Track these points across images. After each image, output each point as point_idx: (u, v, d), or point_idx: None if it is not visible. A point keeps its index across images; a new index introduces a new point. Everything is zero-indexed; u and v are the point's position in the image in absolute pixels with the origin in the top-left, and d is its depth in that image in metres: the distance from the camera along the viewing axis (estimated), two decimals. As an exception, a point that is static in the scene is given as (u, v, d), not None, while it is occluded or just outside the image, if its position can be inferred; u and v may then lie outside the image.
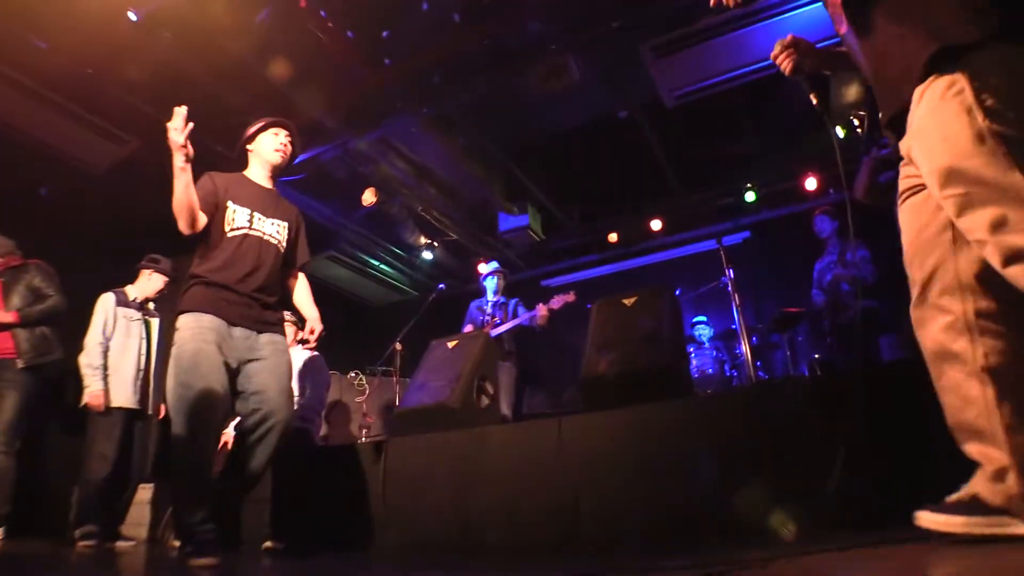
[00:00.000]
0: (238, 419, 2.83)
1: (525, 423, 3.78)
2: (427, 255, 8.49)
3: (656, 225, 8.00)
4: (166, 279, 4.67)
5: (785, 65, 1.84)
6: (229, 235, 2.80)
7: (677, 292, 4.18)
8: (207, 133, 5.17)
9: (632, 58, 5.12)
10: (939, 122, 1.32)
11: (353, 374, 6.87)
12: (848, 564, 1.53)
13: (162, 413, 4.48)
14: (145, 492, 4.70)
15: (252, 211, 2.88)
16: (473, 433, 3.42)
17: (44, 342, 4.30)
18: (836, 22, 1.63)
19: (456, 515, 3.18)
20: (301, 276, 3.17)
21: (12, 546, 3.94)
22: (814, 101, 1.91)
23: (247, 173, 3.03)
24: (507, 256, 8.49)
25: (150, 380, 4.50)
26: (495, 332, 5.40)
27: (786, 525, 2.29)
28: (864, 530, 2.03)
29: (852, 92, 5.18)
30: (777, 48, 1.85)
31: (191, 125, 2.53)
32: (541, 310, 5.48)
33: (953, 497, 1.50)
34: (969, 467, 1.49)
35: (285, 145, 3.04)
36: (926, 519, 1.50)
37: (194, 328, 2.61)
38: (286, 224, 3.01)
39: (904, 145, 1.50)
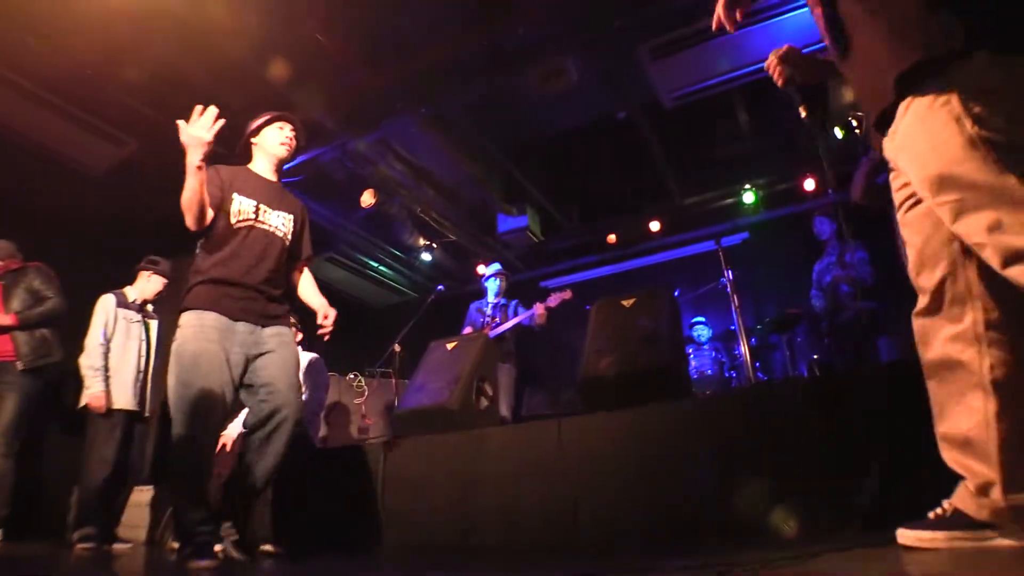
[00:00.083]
0: (241, 417, 2.83)
1: (524, 424, 3.78)
2: (426, 256, 8.49)
3: (655, 226, 8.00)
4: (165, 281, 4.67)
5: (778, 77, 1.86)
6: (235, 226, 2.79)
7: (676, 293, 4.19)
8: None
9: (630, 59, 5.13)
10: (928, 131, 1.34)
11: (352, 376, 6.87)
12: (848, 565, 1.53)
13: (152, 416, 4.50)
14: (144, 494, 4.69)
15: (258, 203, 2.87)
16: (472, 435, 3.42)
17: (44, 344, 4.30)
18: (821, 31, 1.64)
19: (455, 516, 3.18)
20: (305, 270, 3.17)
21: (10, 548, 3.94)
22: (803, 114, 1.92)
23: (252, 167, 3.02)
24: (506, 257, 8.49)
25: (148, 382, 4.50)
26: (494, 333, 5.40)
27: (785, 526, 2.29)
28: (864, 531, 2.03)
29: (851, 93, 5.18)
30: (771, 58, 1.87)
31: (220, 123, 2.57)
32: (539, 309, 5.49)
33: (935, 513, 1.51)
34: (952, 482, 1.50)
35: (290, 139, 3.04)
36: (907, 536, 1.50)
37: (196, 326, 2.61)
38: (291, 217, 3.00)
39: (890, 153, 1.52)
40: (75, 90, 4.90)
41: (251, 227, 2.82)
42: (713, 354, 6.65)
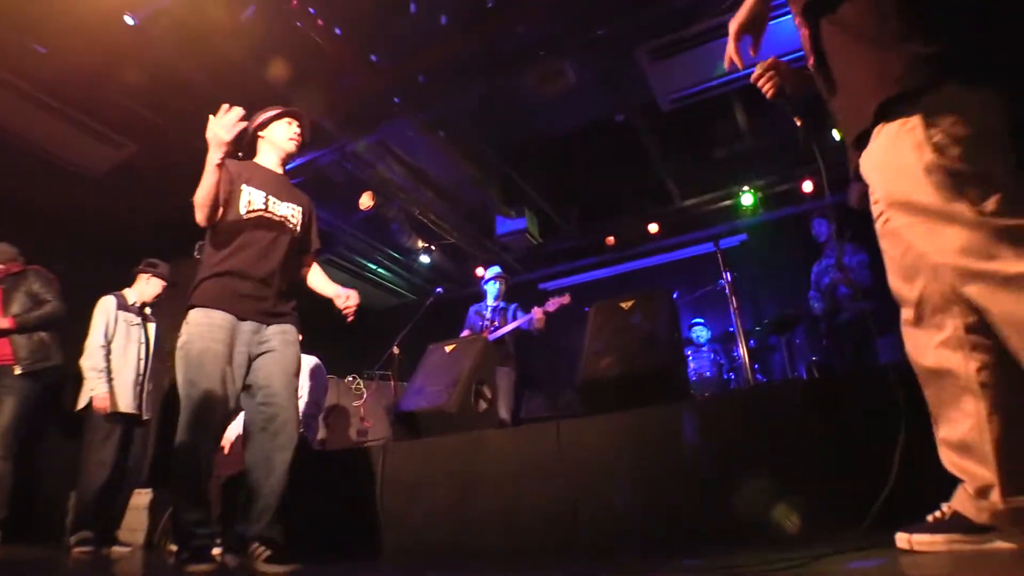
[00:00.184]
0: (241, 418, 2.81)
1: (523, 427, 3.77)
2: (424, 259, 8.49)
3: (653, 228, 8.00)
4: (164, 283, 4.66)
5: (767, 89, 1.88)
6: (245, 217, 2.78)
7: (675, 295, 4.19)
8: (203, 137, 5.18)
9: (628, 61, 5.14)
10: (893, 155, 1.43)
11: (351, 378, 6.85)
12: (847, 568, 1.53)
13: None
14: (143, 497, 4.69)
15: (267, 194, 2.87)
16: (471, 437, 3.42)
17: (42, 348, 4.29)
18: (806, 50, 1.67)
19: (455, 519, 3.17)
20: (315, 264, 3.18)
21: (8, 551, 3.93)
22: (798, 123, 1.93)
23: (258, 160, 3.02)
24: (504, 259, 8.48)
25: (147, 385, 4.49)
26: (493, 336, 5.40)
27: (785, 528, 2.29)
28: (864, 533, 2.03)
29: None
30: (758, 71, 1.88)
31: (242, 125, 2.59)
32: (537, 313, 5.49)
33: (933, 516, 1.51)
34: (950, 485, 1.50)
35: (298, 135, 3.05)
36: (906, 540, 1.51)
37: (204, 325, 2.60)
38: (300, 209, 3.01)
39: (864, 171, 1.57)
40: (74, 92, 4.90)
41: (261, 217, 2.82)
42: (712, 356, 6.65)
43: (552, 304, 5.53)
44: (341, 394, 6.71)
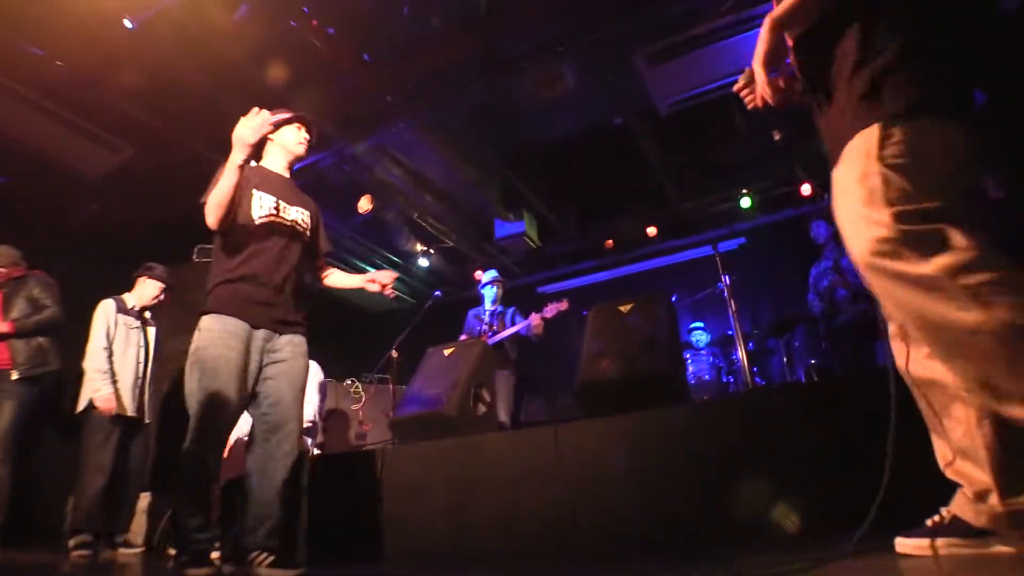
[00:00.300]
0: (241, 422, 2.80)
1: (522, 431, 3.78)
2: (423, 262, 8.48)
3: (652, 231, 8.01)
4: (162, 285, 4.66)
5: (748, 100, 1.89)
6: (256, 222, 2.76)
7: (673, 298, 4.19)
8: (202, 140, 5.19)
9: (627, 66, 5.14)
10: (847, 161, 1.49)
11: (349, 382, 6.85)
12: (847, 573, 1.53)
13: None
14: (141, 501, 4.68)
15: (277, 199, 2.86)
16: (470, 441, 3.42)
17: (40, 353, 4.29)
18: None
19: (453, 523, 3.17)
20: (329, 266, 3.19)
21: (7, 556, 3.92)
22: (776, 136, 1.94)
23: (265, 163, 3.00)
24: (503, 263, 8.49)
25: (146, 389, 4.49)
26: (492, 341, 5.40)
27: (784, 531, 2.29)
28: (863, 536, 2.03)
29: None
30: (741, 81, 1.89)
31: (269, 128, 2.61)
32: (535, 319, 5.50)
33: (933, 520, 1.51)
34: (949, 489, 1.50)
35: (307, 139, 3.05)
36: (906, 545, 1.51)
37: (218, 331, 2.58)
38: (309, 213, 3.00)
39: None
40: (71, 95, 4.90)
41: (272, 222, 2.80)
42: (711, 359, 6.65)
43: (550, 310, 5.54)
44: (340, 398, 6.71)
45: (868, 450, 2.19)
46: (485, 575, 2.41)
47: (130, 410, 4.32)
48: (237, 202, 2.71)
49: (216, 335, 2.57)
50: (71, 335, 4.42)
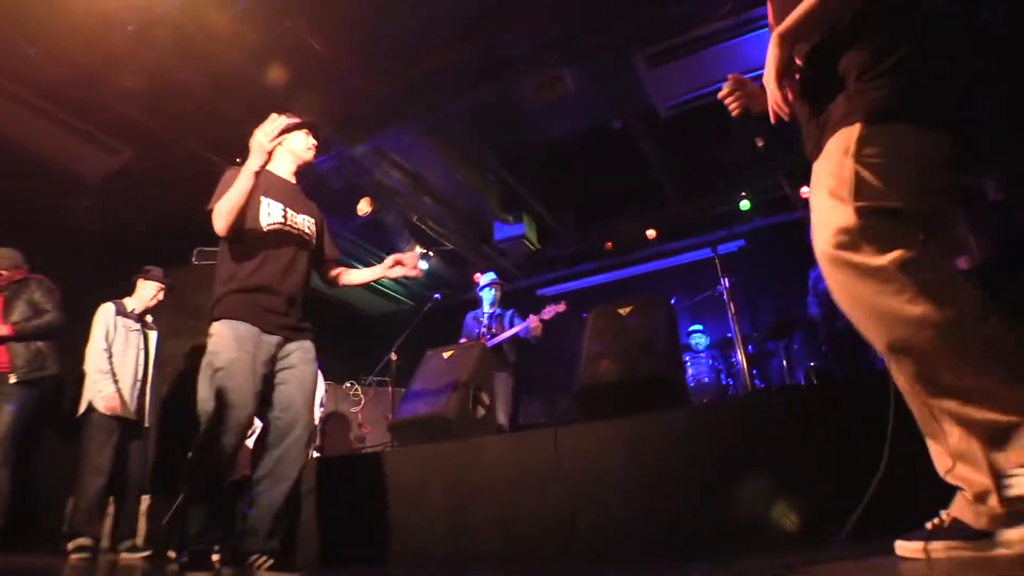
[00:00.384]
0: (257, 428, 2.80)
1: (521, 433, 3.77)
2: (423, 264, 8.47)
3: (651, 233, 8.01)
4: (160, 286, 4.66)
5: (733, 107, 1.90)
6: (265, 229, 2.75)
7: (673, 301, 4.18)
8: (201, 142, 5.19)
9: (626, 68, 5.15)
10: (827, 156, 1.54)
11: (348, 384, 6.86)
12: (847, 573, 1.52)
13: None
14: (141, 503, 4.67)
15: (285, 206, 2.85)
16: (469, 443, 3.41)
17: (39, 357, 4.28)
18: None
19: (452, 525, 3.16)
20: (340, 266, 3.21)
21: (6, 560, 3.90)
22: (759, 144, 1.95)
23: (272, 168, 2.97)
24: (502, 265, 8.49)
25: (147, 392, 4.49)
26: (491, 343, 5.40)
27: (784, 534, 2.29)
28: (863, 539, 2.03)
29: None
30: (725, 89, 1.91)
31: (284, 138, 2.64)
32: (533, 321, 5.51)
33: (932, 523, 1.51)
34: (949, 492, 1.50)
35: (315, 145, 3.06)
36: (905, 548, 1.51)
37: (230, 336, 2.56)
38: (314, 220, 3.01)
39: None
40: (70, 98, 4.91)
41: (280, 230, 2.80)
42: (710, 362, 6.65)
43: (548, 312, 5.55)
44: (339, 400, 6.71)
45: (868, 453, 2.19)
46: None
47: (129, 412, 4.31)
48: (244, 208, 2.71)
49: (229, 340, 2.56)
50: (71, 335, 4.43)
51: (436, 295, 6.61)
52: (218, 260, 2.79)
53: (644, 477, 2.76)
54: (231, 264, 2.71)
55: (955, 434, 1.43)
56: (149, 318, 4.68)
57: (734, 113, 1.93)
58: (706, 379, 6.50)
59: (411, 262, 3.04)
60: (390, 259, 3.07)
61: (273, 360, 2.67)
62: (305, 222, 2.93)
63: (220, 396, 2.48)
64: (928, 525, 1.52)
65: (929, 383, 1.40)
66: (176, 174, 5.38)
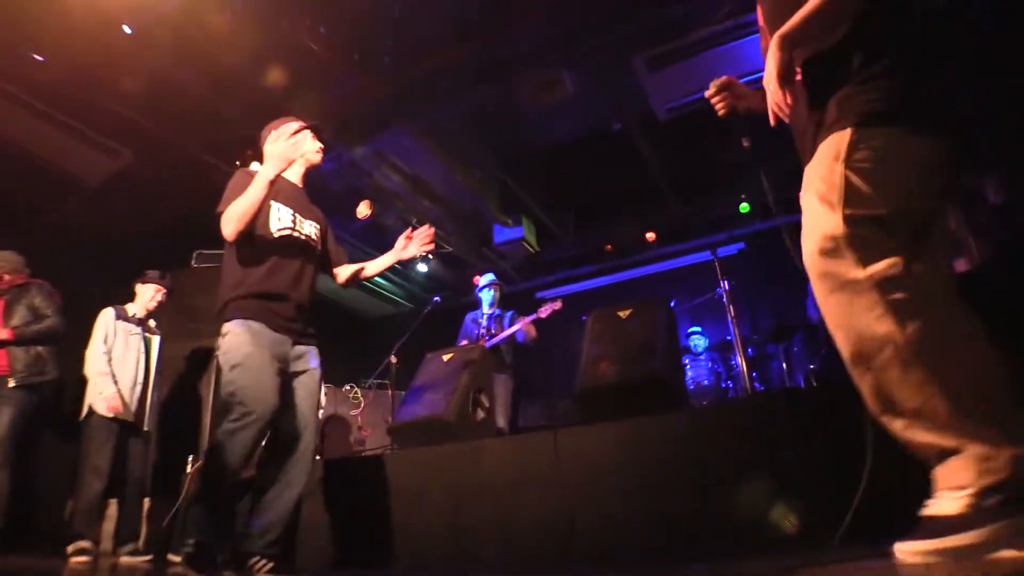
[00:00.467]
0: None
1: (521, 436, 3.76)
2: (422, 267, 8.48)
3: (651, 236, 8.01)
4: (159, 287, 4.66)
5: (719, 107, 1.90)
6: (275, 235, 2.74)
7: (672, 303, 4.18)
8: (200, 144, 5.18)
9: (625, 71, 5.15)
10: (818, 160, 1.54)
11: (348, 387, 6.85)
12: (846, 575, 1.52)
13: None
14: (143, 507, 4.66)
15: (294, 212, 2.84)
16: (469, 446, 3.41)
17: (38, 362, 4.28)
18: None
19: (452, 528, 3.16)
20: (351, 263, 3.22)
21: (5, 562, 3.90)
22: (745, 144, 1.96)
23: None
24: (502, 268, 8.49)
25: (148, 396, 4.48)
26: (489, 344, 5.40)
27: (783, 536, 2.28)
28: (863, 540, 2.02)
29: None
30: (712, 89, 1.91)
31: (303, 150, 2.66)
32: (524, 324, 5.52)
33: (927, 523, 1.51)
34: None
35: (322, 148, 3.07)
36: (905, 550, 1.50)
37: (245, 333, 2.54)
38: (318, 227, 3.01)
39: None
40: (70, 100, 4.90)
41: (289, 237, 2.79)
42: (710, 364, 6.64)
43: (544, 311, 5.57)
44: (338, 403, 6.71)
45: (867, 456, 2.19)
46: (484, 580, 2.41)
47: (128, 414, 4.31)
48: (255, 213, 2.70)
49: (245, 336, 2.55)
50: (70, 337, 4.43)
51: (436, 298, 6.61)
52: (224, 264, 2.76)
53: (644, 479, 2.76)
54: (239, 269, 2.69)
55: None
56: (152, 323, 4.68)
57: (720, 113, 1.93)
58: (706, 382, 6.50)
59: (423, 239, 3.08)
60: (402, 239, 3.06)
61: (285, 360, 2.65)
62: (312, 228, 2.93)
63: (242, 391, 2.46)
64: (924, 525, 1.51)
65: (883, 400, 1.42)
66: (175, 176, 5.38)
